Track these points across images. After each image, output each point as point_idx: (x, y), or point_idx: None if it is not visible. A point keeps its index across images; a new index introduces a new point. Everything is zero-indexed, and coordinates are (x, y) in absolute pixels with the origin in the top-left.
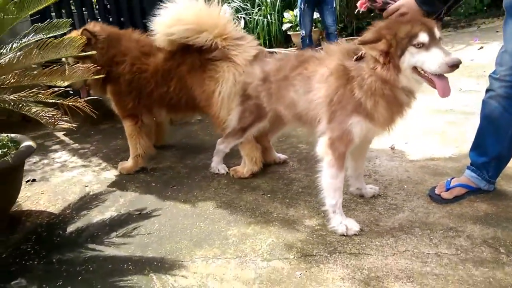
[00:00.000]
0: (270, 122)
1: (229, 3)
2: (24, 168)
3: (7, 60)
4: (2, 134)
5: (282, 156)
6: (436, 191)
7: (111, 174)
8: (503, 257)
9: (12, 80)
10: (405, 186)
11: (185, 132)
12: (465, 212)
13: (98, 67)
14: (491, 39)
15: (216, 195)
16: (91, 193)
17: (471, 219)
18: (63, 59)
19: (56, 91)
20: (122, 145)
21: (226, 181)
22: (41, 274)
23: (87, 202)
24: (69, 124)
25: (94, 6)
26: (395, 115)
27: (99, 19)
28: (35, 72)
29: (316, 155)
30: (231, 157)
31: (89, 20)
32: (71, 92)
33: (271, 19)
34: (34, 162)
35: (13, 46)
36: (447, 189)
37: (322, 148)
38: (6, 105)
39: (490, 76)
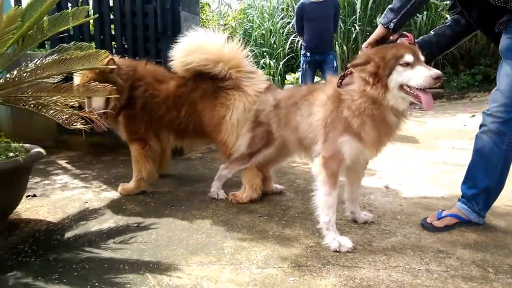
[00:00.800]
0: (276, 150)
1: None
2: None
3: (32, 66)
4: (15, 143)
5: (279, 187)
6: (428, 220)
7: (111, 195)
8: (491, 275)
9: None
10: (399, 217)
11: (185, 165)
12: (455, 239)
13: (119, 92)
14: (482, 109)
15: (213, 215)
16: (90, 208)
17: (461, 245)
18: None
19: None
20: (123, 173)
21: (224, 204)
22: (37, 269)
23: (86, 214)
24: (84, 126)
25: (112, 46)
26: (382, 135)
27: None
28: (53, 87)
29: (313, 185)
30: (230, 186)
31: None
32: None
33: (274, 80)
34: (36, 182)
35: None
36: (439, 218)
37: (316, 167)
38: (27, 106)
39: (483, 112)
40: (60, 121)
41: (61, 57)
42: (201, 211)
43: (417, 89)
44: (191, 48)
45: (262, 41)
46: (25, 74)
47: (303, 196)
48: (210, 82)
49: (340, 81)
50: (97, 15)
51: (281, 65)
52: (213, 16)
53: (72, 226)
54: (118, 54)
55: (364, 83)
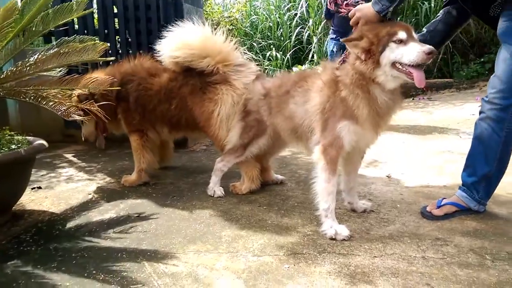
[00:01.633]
0: (270, 141)
1: (241, 54)
2: (31, 178)
3: (33, 60)
4: (18, 136)
5: (280, 177)
6: (428, 209)
7: (114, 186)
8: (488, 262)
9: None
10: (398, 205)
11: (189, 157)
12: (454, 227)
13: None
14: None
15: (213, 205)
16: (93, 199)
17: (460, 232)
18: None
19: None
20: (128, 165)
21: (224, 195)
22: (37, 257)
23: (88, 205)
24: (82, 118)
25: (116, 40)
26: (374, 114)
27: (120, 51)
28: (55, 79)
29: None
30: (231, 177)
31: (110, 52)
32: None
33: (280, 71)
34: (42, 175)
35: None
36: (438, 207)
37: (316, 155)
38: (27, 98)
39: (482, 99)
40: (59, 112)
41: (61, 50)
42: (201, 202)
43: (409, 65)
44: (177, 44)
45: (269, 34)
46: (26, 68)
47: (304, 186)
48: (198, 78)
49: (341, 63)
50: (92, 9)
51: (288, 57)
52: (218, 8)
53: (74, 217)
54: (122, 49)
55: (356, 58)
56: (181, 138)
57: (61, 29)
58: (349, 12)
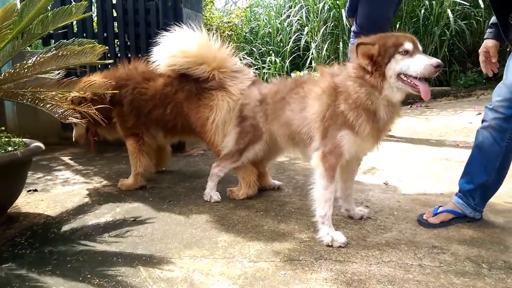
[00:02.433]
0: (266, 147)
1: (240, 59)
2: (27, 181)
3: (31, 62)
4: (15, 138)
5: (277, 183)
6: (424, 217)
7: (111, 190)
8: (484, 271)
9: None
10: (395, 213)
11: (186, 162)
12: (451, 235)
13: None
14: None
15: (210, 210)
16: (89, 203)
17: (457, 240)
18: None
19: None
20: (125, 169)
21: (221, 200)
22: (32, 261)
23: (84, 209)
24: (79, 120)
25: (115, 43)
26: (375, 129)
27: (119, 55)
28: (53, 82)
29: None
30: (229, 182)
31: (109, 55)
32: None
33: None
34: (38, 177)
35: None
36: (434, 215)
37: (315, 161)
38: (25, 100)
39: (486, 107)
40: (56, 115)
41: (59, 53)
42: (198, 206)
43: (414, 78)
44: (173, 51)
45: (268, 39)
46: (24, 70)
47: (301, 192)
48: (193, 83)
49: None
50: (91, 12)
51: (287, 63)
52: (219, 13)
53: (70, 220)
54: (121, 51)
55: (363, 71)
56: (178, 142)
57: (60, 32)
58: None
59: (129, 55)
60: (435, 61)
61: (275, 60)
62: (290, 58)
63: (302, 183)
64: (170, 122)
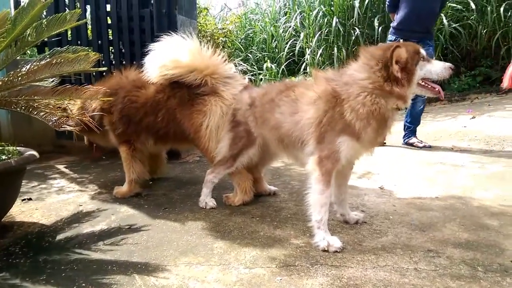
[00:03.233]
0: (260, 151)
1: (236, 66)
2: (21, 190)
3: (25, 70)
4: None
5: (272, 188)
6: None
7: (106, 198)
8: (480, 274)
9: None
10: (391, 217)
11: (182, 168)
12: (447, 238)
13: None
14: (483, 111)
15: (206, 217)
16: (84, 211)
17: (452, 244)
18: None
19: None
20: (120, 177)
21: (217, 206)
22: (26, 270)
23: (79, 217)
24: (72, 128)
25: (110, 50)
26: (379, 135)
27: (114, 62)
28: (48, 89)
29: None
30: (225, 189)
31: (104, 62)
32: None
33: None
34: (33, 186)
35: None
36: None
37: (310, 166)
38: (18, 109)
39: None
40: (50, 123)
41: (53, 60)
42: (193, 213)
43: (432, 81)
44: (165, 62)
45: (263, 46)
46: (18, 78)
47: (297, 198)
48: (186, 90)
49: None
50: (85, 20)
51: (283, 69)
52: (213, 20)
53: (65, 229)
54: (115, 58)
55: (381, 80)
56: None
57: (54, 39)
58: None
59: (124, 62)
60: (449, 64)
61: (271, 66)
62: (285, 64)
63: (298, 188)
64: (162, 130)
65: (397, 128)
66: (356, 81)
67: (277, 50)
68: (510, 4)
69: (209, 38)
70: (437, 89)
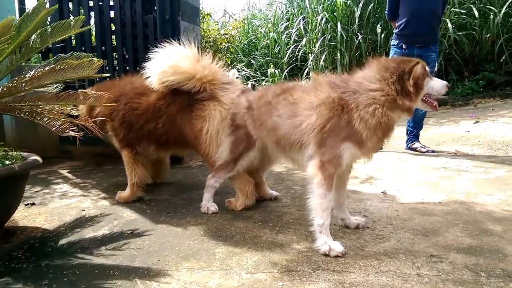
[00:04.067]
0: (260, 154)
1: (239, 70)
2: (25, 195)
3: (29, 76)
4: (13, 152)
5: (274, 193)
6: None
7: (109, 202)
8: (483, 279)
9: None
10: (394, 222)
11: (184, 173)
12: (449, 244)
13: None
14: (486, 116)
15: (208, 221)
16: (86, 216)
17: (455, 249)
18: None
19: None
20: (123, 181)
21: (219, 211)
22: (28, 274)
23: (82, 222)
24: (76, 134)
25: (114, 56)
26: (381, 143)
27: (117, 68)
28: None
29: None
30: (227, 193)
31: (107, 68)
32: None
33: None
34: (36, 191)
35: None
36: None
37: (312, 170)
38: (22, 114)
39: None
40: (53, 128)
41: (57, 66)
42: (196, 218)
43: (431, 97)
44: (165, 69)
45: (266, 51)
46: (22, 84)
47: (299, 203)
48: (185, 96)
49: None
50: (90, 26)
51: (285, 74)
52: (216, 25)
53: (67, 233)
54: (119, 64)
55: (394, 93)
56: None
57: (58, 45)
58: None
59: (127, 68)
60: (445, 82)
61: (274, 72)
62: (288, 69)
63: (300, 193)
64: (162, 136)
65: (399, 133)
66: (366, 91)
67: (280, 55)
68: None
69: (212, 43)
70: (435, 104)
